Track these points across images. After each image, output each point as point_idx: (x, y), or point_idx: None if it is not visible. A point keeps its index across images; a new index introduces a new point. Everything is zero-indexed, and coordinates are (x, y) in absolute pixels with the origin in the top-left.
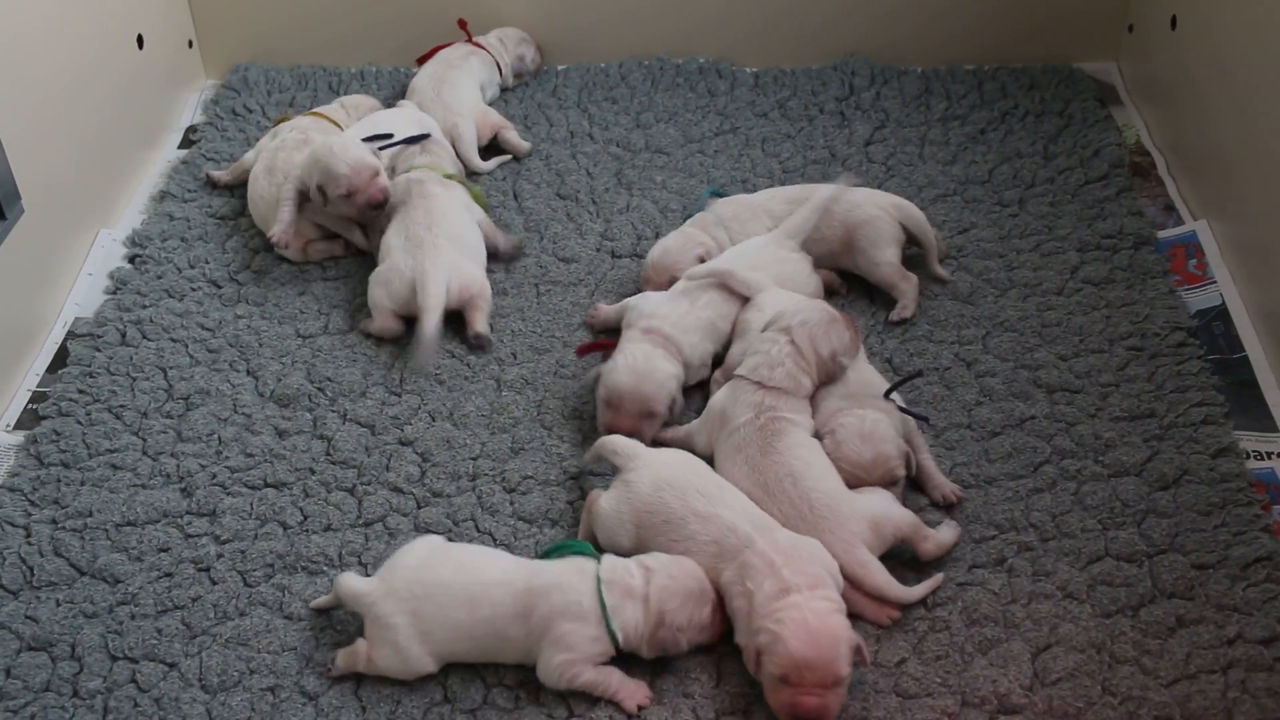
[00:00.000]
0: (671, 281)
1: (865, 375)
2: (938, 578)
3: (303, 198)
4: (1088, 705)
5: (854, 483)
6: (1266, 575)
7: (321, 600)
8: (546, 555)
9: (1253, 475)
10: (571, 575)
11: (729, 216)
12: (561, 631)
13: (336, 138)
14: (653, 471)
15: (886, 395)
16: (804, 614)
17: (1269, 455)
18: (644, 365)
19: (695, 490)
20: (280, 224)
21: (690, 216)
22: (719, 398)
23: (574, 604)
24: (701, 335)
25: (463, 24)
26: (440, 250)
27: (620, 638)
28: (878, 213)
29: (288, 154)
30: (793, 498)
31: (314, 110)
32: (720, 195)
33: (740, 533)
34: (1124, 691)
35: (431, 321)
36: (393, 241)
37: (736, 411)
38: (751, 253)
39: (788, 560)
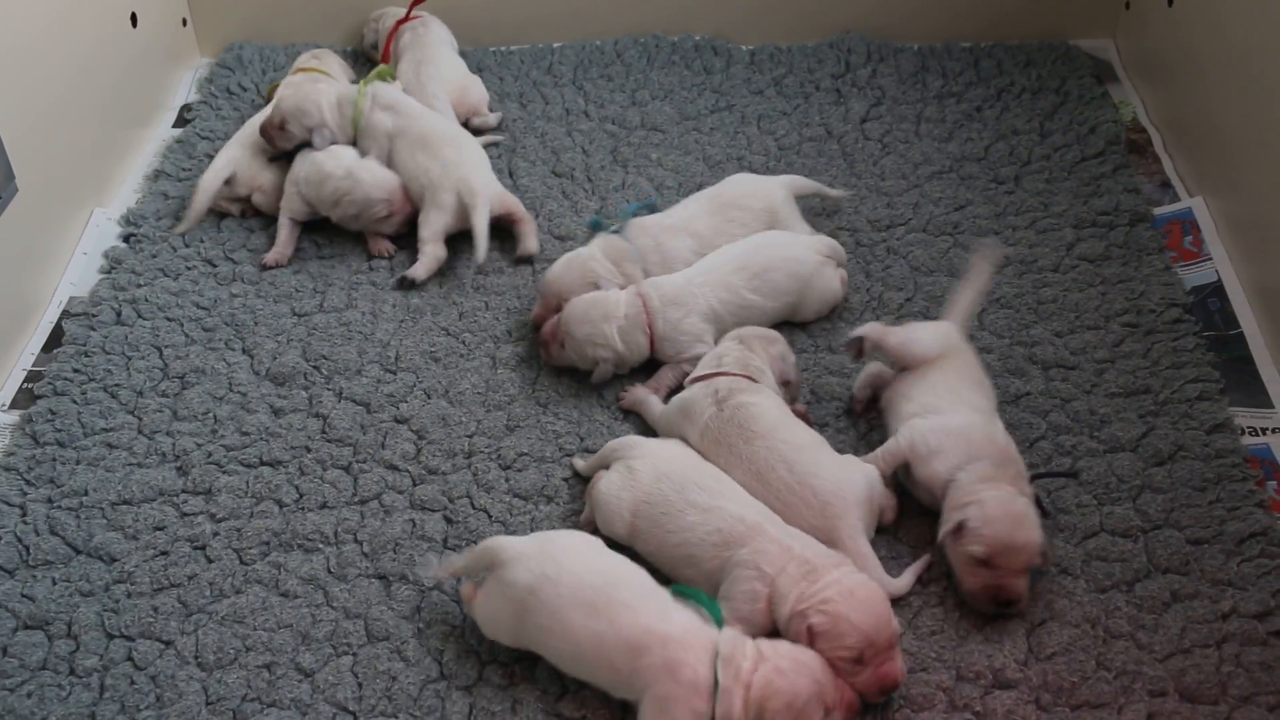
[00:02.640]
0: (559, 305)
1: (1004, 443)
2: (924, 560)
3: (297, 224)
4: (1082, 680)
5: (985, 564)
6: (1261, 550)
7: (450, 565)
8: (675, 591)
9: (1247, 451)
10: (693, 635)
11: (649, 246)
12: (665, 692)
13: (360, 168)
14: (654, 463)
15: (1033, 480)
16: (848, 586)
17: (1264, 431)
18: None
19: (694, 484)
20: (279, 248)
21: (600, 228)
22: (679, 396)
23: (688, 668)
24: (689, 311)
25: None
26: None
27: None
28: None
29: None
30: (791, 485)
31: (300, 67)
32: (652, 210)
33: (749, 521)
34: (1118, 666)
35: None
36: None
37: (698, 408)
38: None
39: (801, 545)
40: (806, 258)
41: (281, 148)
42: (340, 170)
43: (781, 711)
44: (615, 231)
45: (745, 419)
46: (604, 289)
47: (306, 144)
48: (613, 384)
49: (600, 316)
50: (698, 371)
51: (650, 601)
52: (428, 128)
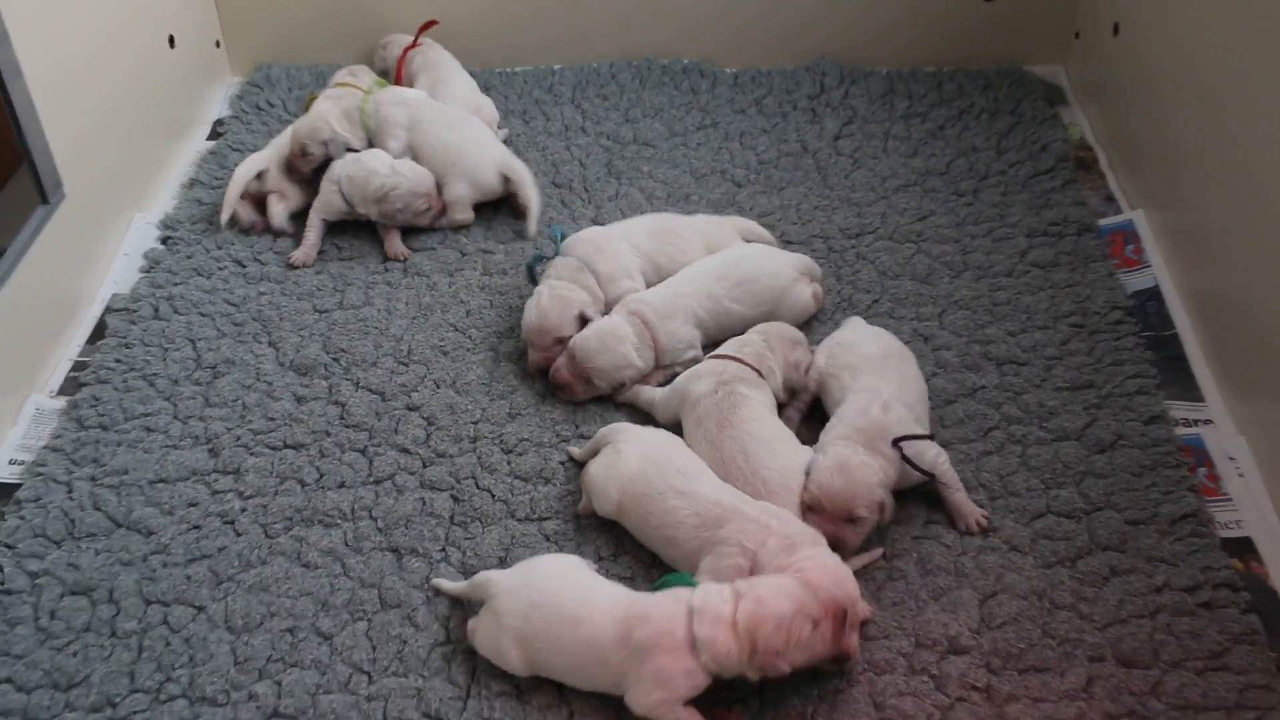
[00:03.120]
0: (556, 343)
1: (887, 420)
2: (876, 553)
3: (325, 225)
4: (1029, 646)
5: (816, 506)
6: (1191, 530)
7: (447, 586)
8: (657, 588)
9: (1181, 440)
10: (667, 604)
11: (591, 255)
12: (657, 665)
13: (399, 166)
14: (640, 447)
15: (895, 444)
16: (823, 560)
17: (1196, 422)
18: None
19: (675, 470)
20: (306, 249)
21: (557, 256)
22: (691, 369)
23: (666, 634)
24: (682, 320)
25: (426, 26)
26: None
27: (714, 667)
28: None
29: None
30: (745, 474)
31: (339, 82)
32: (564, 236)
33: (726, 504)
34: (1062, 634)
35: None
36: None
37: (699, 386)
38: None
39: (780, 522)
40: (784, 272)
41: (307, 171)
42: (385, 168)
43: (772, 635)
44: (554, 255)
45: (729, 407)
46: (591, 316)
47: (327, 163)
48: None
49: (615, 342)
50: (720, 350)
51: (626, 597)
52: (444, 110)
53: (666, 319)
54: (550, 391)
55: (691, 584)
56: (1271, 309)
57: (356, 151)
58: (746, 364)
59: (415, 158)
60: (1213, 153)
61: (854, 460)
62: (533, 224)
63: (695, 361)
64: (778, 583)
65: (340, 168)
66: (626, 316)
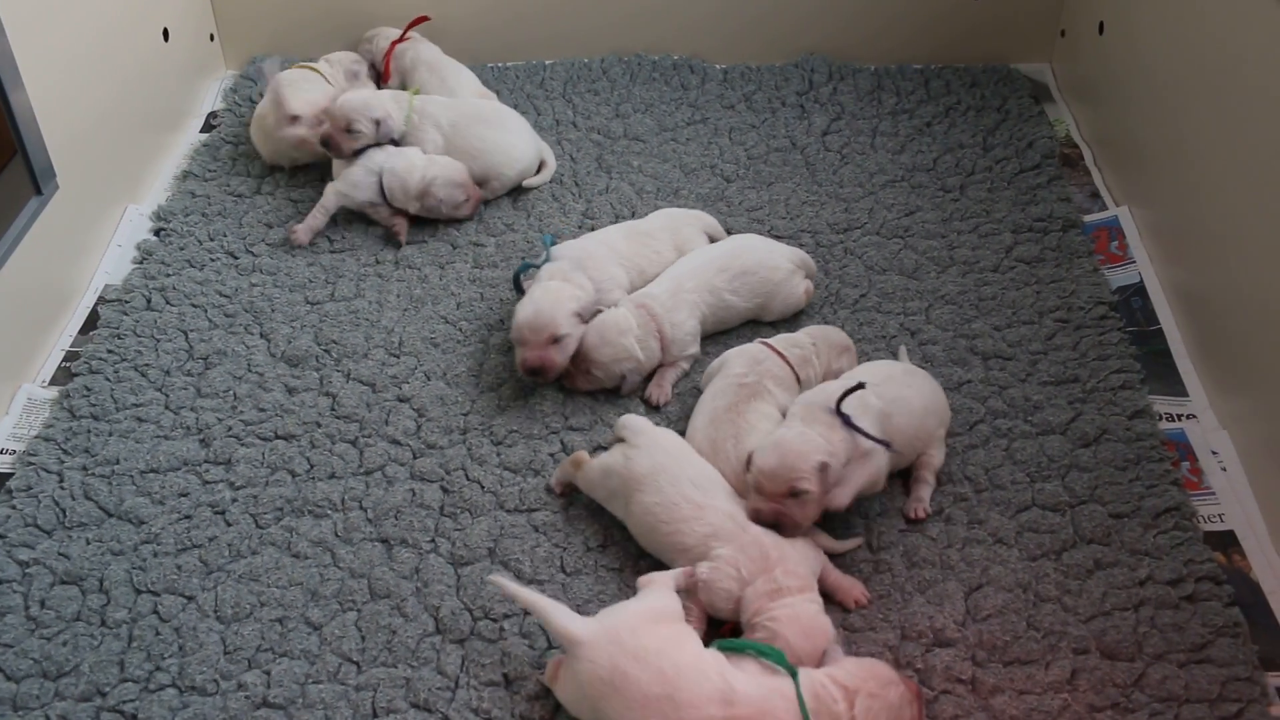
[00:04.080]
0: (550, 340)
1: (829, 389)
2: (855, 541)
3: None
4: (1014, 639)
5: (758, 487)
6: (1174, 524)
7: (510, 589)
8: (723, 648)
9: (1164, 435)
10: (776, 701)
11: (583, 257)
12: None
13: (435, 161)
14: (652, 455)
15: (837, 409)
16: (797, 613)
17: (1179, 417)
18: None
19: (689, 480)
20: (308, 225)
21: (549, 261)
22: (743, 347)
23: None
24: (687, 313)
25: (417, 21)
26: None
27: None
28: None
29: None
30: (730, 459)
31: (301, 64)
32: (554, 242)
33: (740, 520)
34: (1046, 626)
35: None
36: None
37: (736, 361)
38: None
39: (780, 560)
40: (781, 264)
41: (350, 149)
42: (424, 162)
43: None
44: (544, 261)
45: (746, 396)
46: (584, 314)
47: (365, 149)
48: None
49: (617, 334)
50: (774, 341)
51: (723, 680)
52: (478, 107)
53: (672, 311)
54: (540, 384)
55: (777, 659)
56: (1255, 305)
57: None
58: (788, 363)
59: (465, 161)
60: (1196, 150)
61: (788, 435)
62: (534, 183)
63: (695, 353)
64: (876, 671)
65: (381, 159)
66: (633, 309)
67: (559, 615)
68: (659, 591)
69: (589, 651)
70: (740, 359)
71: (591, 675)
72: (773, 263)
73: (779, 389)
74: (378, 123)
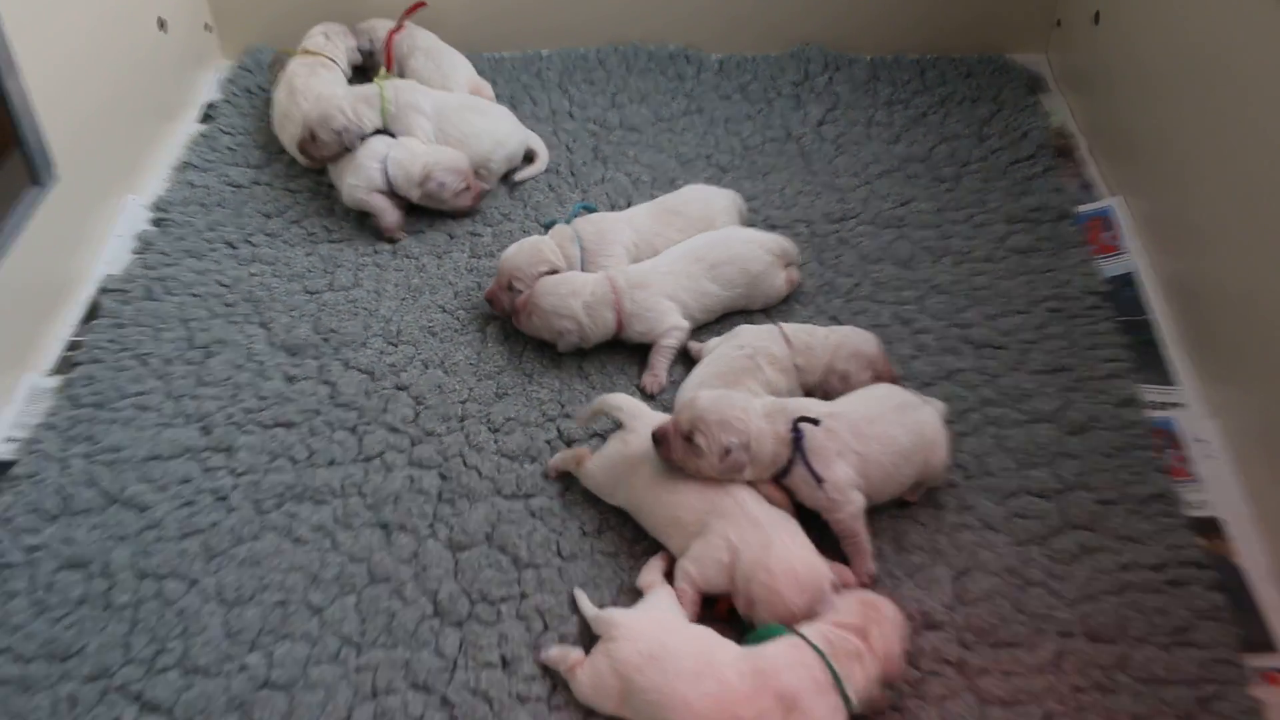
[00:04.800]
0: (510, 285)
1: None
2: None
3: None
4: (1001, 622)
5: (676, 411)
6: (1160, 510)
7: (585, 606)
8: (755, 640)
9: (1152, 423)
10: (793, 653)
11: (589, 234)
12: (806, 710)
13: (435, 148)
14: (648, 439)
15: (794, 426)
16: (791, 564)
17: (1166, 406)
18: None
19: None
20: (391, 219)
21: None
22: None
23: (809, 680)
24: (655, 292)
25: (413, 9)
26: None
27: (854, 702)
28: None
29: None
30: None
31: (304, 49)
32: (590, 210)
33: (738, 496)
34: (1033, 610)
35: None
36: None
37: (743, 334)
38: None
39: (770, 520)
40: (759, 256)
41: (324, 156)
42: (425, 149)
43: (898, 658)
44: (566, 222)
45: (737, 369)
46: (551, 268)
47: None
48: (597, 356)
49: (567, 292)
50: (789, 325)
51: (746, 651)
52: (462, 98)
53: (637, 288)
54: (537, 372)
55: (780, 632)
56: (1244, 297)
57: (371, 136)
58: (795, 352)
59: (448, 144)
60: (1190, 142)
61: (739, 398)
62: (528, 174)
63: (678, 333)
64: (882, 606)
65: (384, 147)
66: (599, 278)
67: (596, 610)
68: (663, 598)
69: (629, 631)
70: (748, 333)
71: (631, 652)
72: (751, 254)
73: (773, 371)
74: (338, 133)
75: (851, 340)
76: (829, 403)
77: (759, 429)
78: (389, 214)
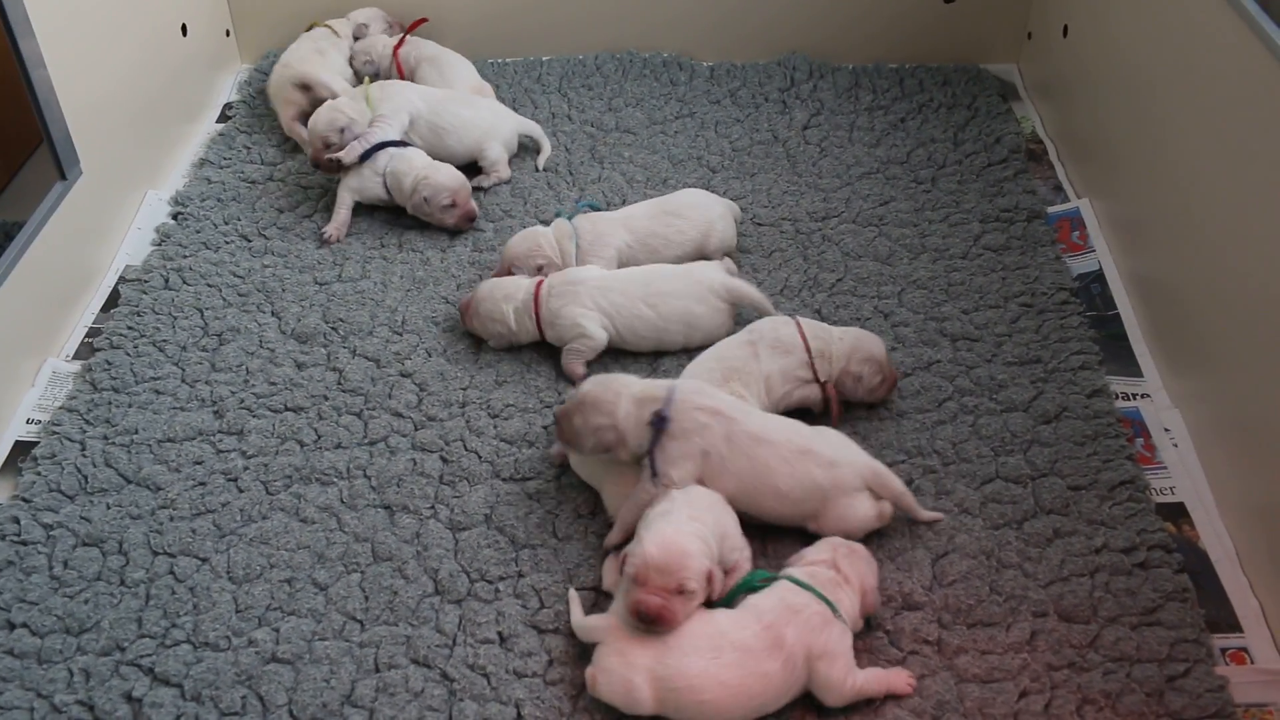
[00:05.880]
0: (507, 270)
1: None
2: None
3: (347, 207)
4: (978, 602)
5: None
6: (1129, 496)
7: (577, 615)
8: (735, 593)
9: (1120, 413)
10: (787, 596)
11: (585, 230)
12: (825, 641)
13: (433, 162)
14: None
15: (655, 417)
16: (667, 527)
17: (1134, 396)
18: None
19: None
20: (336, 224)
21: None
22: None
23: (815, 615)
24: (575, 303)
25: (415, 25)
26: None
27: (849, 624)
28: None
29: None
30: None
31: (324, 22)
32: (595, 209)
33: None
34: (1008, 591)
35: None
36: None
37: (764, 329)
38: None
39: (683, 502)
40: (707, 299)
41: (336, 165)
42: (422, 163)
43: (870, 574)
44: (569, 217)
45: (742, 357)
46: (546, 267)
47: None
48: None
49: (502, 297)
50: (806, 323)
51: (746, 610)
52: (449, 94)
53: (555, 298)
54: (535, 361)
55: (765, 576)
56: (1206, 292)
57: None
58: (808, 349)
59: (444, 139)
60: (1152, 147)
61: (615, 379)
62: (542, 160)
63: (586, 341)
64: (852, 548)
65: (385, 160)
66: (529, 284)
67: (593, 621)
68: None
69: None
70: (762, 323)
71: (642, 649)
72: (694, 294)
73: (773, 355)
74: (342, 131)
75: (865, 345)
76: (745, 405)
77: (626, 413)
78: (337, 219)
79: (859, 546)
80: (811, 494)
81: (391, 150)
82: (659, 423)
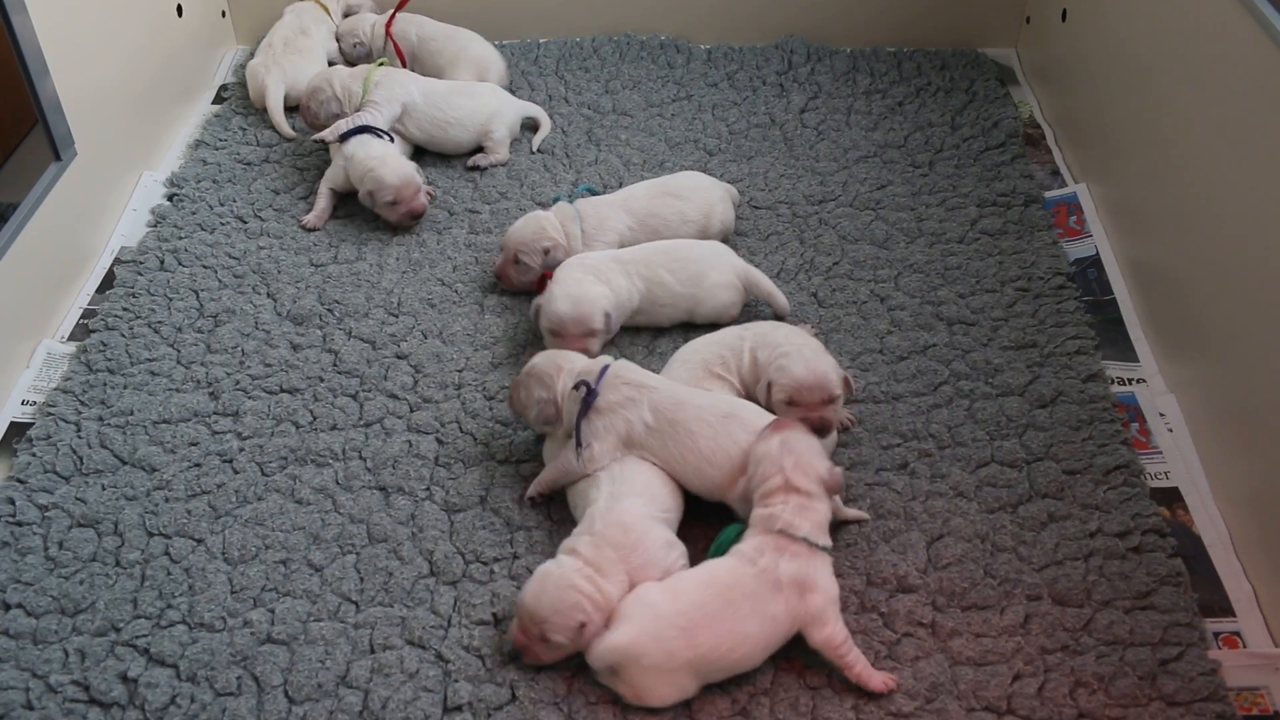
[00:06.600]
0: (515, 259)
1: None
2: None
3: (337, 196)
4: (972, 585)
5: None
6: (1123, 480)
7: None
8: (718, 551)
9: (1116, 398)
10: (763, 541)
11: (589, 213)
12: (807, 575)
13: (389, 155)
14: None
15: (582, 386)
16: (620, 515)
17: (1130, 381)
18: (576, 290)
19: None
20: (316, 213)
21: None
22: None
23: (792, 553)
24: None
25: (400, 6)
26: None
27: (825, 544)
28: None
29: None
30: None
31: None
32: (593, 193)
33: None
34: (1002, 574)
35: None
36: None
37: (768, 332)
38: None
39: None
40: (721, 269)
41: (320, 124)
42: (376, 155)
43: (825, 462)
44: (570, 200)
45: (730, 351)
46: (554, 252)
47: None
48: None
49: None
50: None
51: (738, 560)
52: (448, 84)
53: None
54: (531, 343)
55: (739, 529)
56: (1203, 278)
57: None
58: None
59: (447, 131)
60: (1150, 132)
61: (560, 354)
62: (538, 140)
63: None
64: (793, 445)
65: (350, 147)
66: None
67: (602, 647)
68: (641, 589)
69: (652, 631)
70: (767, 327)
71: (669, 639)
72: (716, 263)
73: (775, 363)
74: (323, 104)
75: (793, 371)
76: (663, 379)
77: (564, 386)
78: (317, 208)
79: (792, 437)
80: (736, 460)
81: (362, 137)
82: (587, 395)
